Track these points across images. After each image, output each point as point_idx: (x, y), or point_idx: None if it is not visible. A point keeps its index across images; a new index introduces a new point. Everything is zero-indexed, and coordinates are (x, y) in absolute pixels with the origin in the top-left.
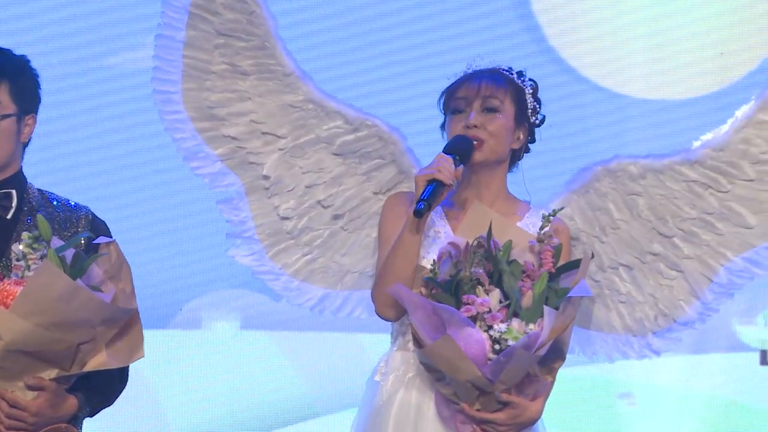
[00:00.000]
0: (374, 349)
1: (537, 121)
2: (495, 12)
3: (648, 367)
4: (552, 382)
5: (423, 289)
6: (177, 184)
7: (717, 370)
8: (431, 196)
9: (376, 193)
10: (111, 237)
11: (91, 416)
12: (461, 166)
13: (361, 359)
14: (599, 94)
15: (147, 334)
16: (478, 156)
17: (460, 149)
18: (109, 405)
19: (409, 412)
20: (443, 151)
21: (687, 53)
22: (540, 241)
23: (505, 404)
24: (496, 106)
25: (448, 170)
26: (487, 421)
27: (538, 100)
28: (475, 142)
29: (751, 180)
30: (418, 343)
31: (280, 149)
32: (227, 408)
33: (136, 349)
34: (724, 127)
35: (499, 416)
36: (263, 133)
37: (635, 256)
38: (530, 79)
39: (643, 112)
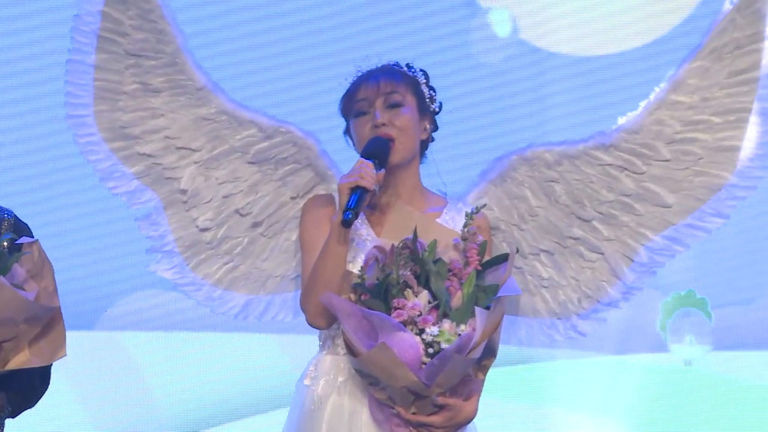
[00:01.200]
0: (299, 350)
1: (437, 109)
2: None
3: (573, 368)
4: (483, 380)
5: (352, 295)
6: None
7: (641, 371)
8: (357, 204)
9: (293, 198)
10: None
11: (13, 417)
12: (383, 170)
13: (287, 360)
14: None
15: (72, 335)
16: (394, 156)
17: (378, 152)
18: (32, 406)
19: (342, 417)
20: (361, 156)
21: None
22: (464, 239)
23: (441, 406)
24: (399, 101)
25: (370, 176)
26: (424, 424)
27: (432, 88)
28: (390, 142)
29: (667, 160)
30: (351, 351)
31: (196, 162)
32: (154, 409)
33: (58, 348)
34: (638, 110)
35: (436, 419)
36: (178, 148)
37: (555, 241)
38: (420, 70)
39: (566, 66)
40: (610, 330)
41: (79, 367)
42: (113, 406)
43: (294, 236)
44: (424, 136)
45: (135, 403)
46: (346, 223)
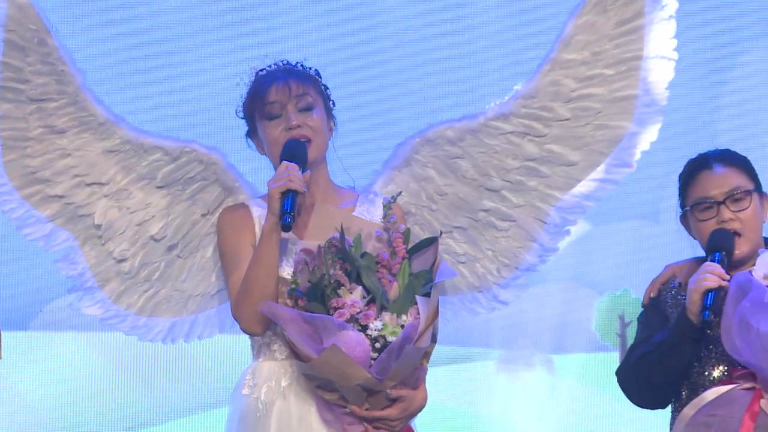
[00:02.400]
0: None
1: (332, 105)
2: None
3: (508, 366)
4: (427, 367)
5: (288, 301)
6: None
7: (577, 371)
8: (292, 206)
9: (204, 215)
10: None
11: None
12: (308, 171)
13: (222, 361)
14: None
15: (7, 335)
16: (309, 157)
17: (298, 154)
18: None
19: (291, 422)
20: (282, 160)
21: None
22: (387, 229)
23: (394, 399)
24: (310, 103)
25: (298, 178)
26: (380, 419)
27: (326, 86)
28: (307, 143)
29: (567, 119)
30: (299, 357)
31: (106, 195)
32: (90, 409)
33: None
34: (532, 74)
35: (391, 412)
36: (88, 185)
37: (467, 216)
38: (314, 69)
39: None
40: (546, 330)
41: (14, 367)
42: (48, 406)
43: (209, 252)
44: (330, 136)
45: (70, 403)
46: (286, 227)
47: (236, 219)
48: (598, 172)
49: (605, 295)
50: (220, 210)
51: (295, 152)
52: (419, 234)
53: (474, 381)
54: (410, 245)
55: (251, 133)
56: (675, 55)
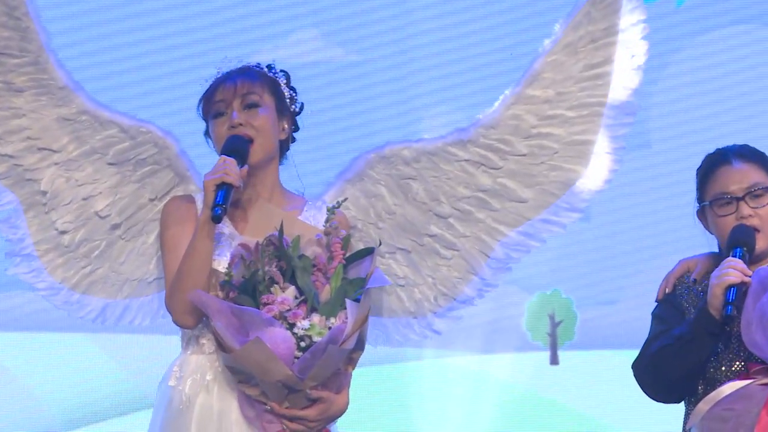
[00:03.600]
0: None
1: (297, 109)
2: None
3: (439, 367)
4: (351, 373)
5: (220, 293)
6: None
7: (507, 370)
8: (225, 199)
9: (152, 200)
10: None
11: None
12: (246, 167)
13: (151, 361)
14: None
15: None
16: (253, 156)
17: (238, 149)
18: None
19: (212, 416)
20: (221, 153)
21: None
22: (327, 234)
23: (314, 400)
24: (256, 102)
25: (234, 172)
26: (298, 418)
27: (293, 89)
28: (249, 142)
29: (523, 155)
30: (223, 347)
31: (56, 163)
32: (20, 410)
33: None
34: (495, 105)
35: (310, 412)
36: (39, 149)
37: (412, 239)
38: (281, 71)
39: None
40: (476, 330)
41: None
42: None
43: (151, 239)
44: (282, 137)
45: (2, 404)
46: (216, 219)
47: (181, 210)
48: (547, 213)
49: (535, 294)
50: (168, 197)
51: (234, 147)
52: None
53: (405, 381)
54: (349, 254)
55: (207, 132)
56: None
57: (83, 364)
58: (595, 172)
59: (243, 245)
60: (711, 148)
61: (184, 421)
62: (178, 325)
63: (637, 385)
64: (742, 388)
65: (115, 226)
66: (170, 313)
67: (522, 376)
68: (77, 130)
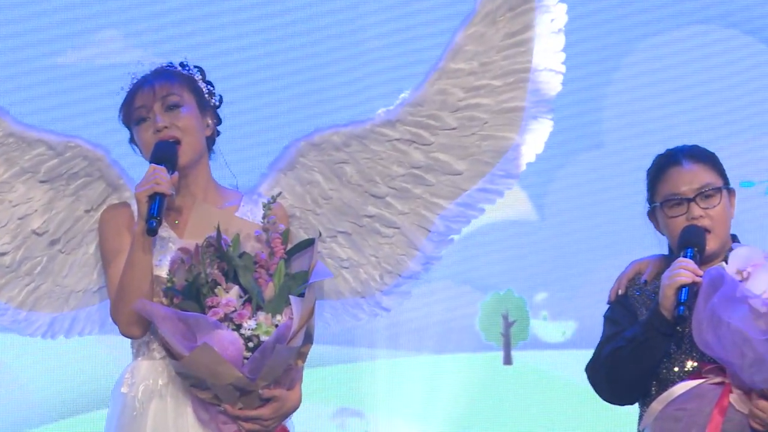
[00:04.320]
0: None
1: (217, 103)
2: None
3: (392, 367)
4: (303, 367)
5: (164, 300)
6: None
7: (461, 370)
8: (159, 210)
9: (87, 211)
10: None
11: None
12: (175, 173)
13: (102, 362)
14: None
15: None
16: (182, 158)
17: (166, 156)
18: None
19: (167, 421)
20: (151, 162)
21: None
22: (266, 229)
23: (267, 399)
24: (177, 102)
25: (165, 180)
26: (253, 418)
27: (210, 83)
28: (176, 144)
29: (453, 128)
30: (172, 355)
31: None
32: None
33: None
34: (420, 83)
35: (264, 411)
36: None
37: (351, 221)
38: (195, 66)
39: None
40: (429, 330)
41: None
42: None
43: (92, 249)
44: (208, 133)
45: None
46: (151, 232)
47: (118, 218)
48: (483, 183)
49: (489, 294)
50: (104, 207)
51: (162, 154)
52: (303, 238)
53: (358, 381)
54: (290, 246)
55: (132, 140)
56: (563, 68)
57: (32, 365)
58: (527, 137)
59: (182, 249)
60: (664, 149)
61: (138, 428)
62: (125, 336)
63: (591, 386)
64: (694, 387)
65: (54, 242)
66: (116, 324)
67: (475, 376)
68: (5, 153)
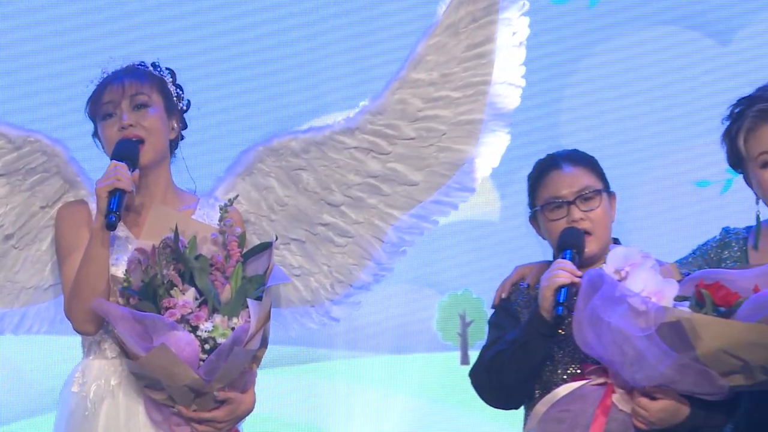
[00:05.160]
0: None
1: (184, 107)
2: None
3: (351, 367)
4: (257, 371)
5: (120, 300)
6: None
7: (418, 370)
8: (118, 206)
9: (43, 207)
10: None
11: None
12: (136, 171)
13: (52, 364)
14: None
15: None
16: (144, 157)
17: (128, 153)
18: None
19: (119, 421)
20: (112, 159)
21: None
22: (222, 232)
23: (222, 401)
24: (144, 102)
25: (126, 177)
26: (207, 420)
27: (179, 87)
28: (139, 143)
29: (411, 138)
30: (128, 355)
31: None
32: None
33: None
34: (380, 91)
35: (218, 413)
36: None
37: (305, 229)
38: (167, 68)
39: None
40: (387, 330)
41: None
42: None
43: (45, 245)
44: (172, 136)
45: None
46: (111, 226)
47: (74, 215)
48: (438, 195)
49: (446, 294)
50: (60, 204)
51: (124, 152)
52: (256, 244)
53: (316, 382)
54: (246, 249)
55: (96, 134)
56: (522, 82)
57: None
58: (484, 151)
59: (139, 249)
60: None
61: (90, 428)
62: (78, 332)
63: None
64: (577, 388)
65: (8, 237)
66: (70, 321)
67: (433, 376)
68: None
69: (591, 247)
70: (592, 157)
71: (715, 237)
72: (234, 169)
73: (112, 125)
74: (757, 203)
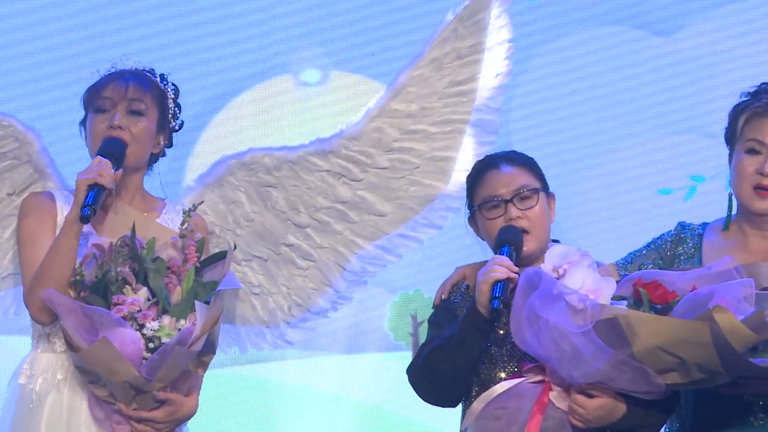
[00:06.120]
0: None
1: (177, 127)
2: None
3: (303, 366)
4: (203, 376)
5: (72, 292)
6: None
7: (370, 370)
8: (95, 200)
9: (9, 194)
10: None
11: None
12: (120, 170)
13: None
14: None
15: None
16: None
17: (115, 152)
18: None
19: (62, 415)
20: (98, 154)
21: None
22: (182, 236)
23: (162, 401)
24: (141, 110)
25: (108, 174)
26: (146, 420)
27: (178, 105)
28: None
29: (384, 168)
30: (72, 347)
31: None
32: None
33: None
34: (359, 116)
35: (157, 414)
36: None
37: (269, 247)
38: (172, 84)
39: None
40: (339, 330)
41: None
42: None
43: (8, 234)
44: (155, 150)
45: None
46: (85, 219)
47: (40, 206)
48: (405, 228)
49: (398, 294)
50: (27, 193)
51: (111, 149)
52: None
53: (268, 382)
54: (205, 257)
55: (84, 122)
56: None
57: None
58: (454, 189)
59: (96, 245)
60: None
61: (34, 420)
62: (35, 321)
63: (412, 389)
64: (514, 386)
65: None
66: (28, 308)
67: (385, 376)
68: None
69: (529, 245)
70: (531, 158)
71: (670, 231)
72: (204, 179)
73: (102, 120)
74: (729, 185)
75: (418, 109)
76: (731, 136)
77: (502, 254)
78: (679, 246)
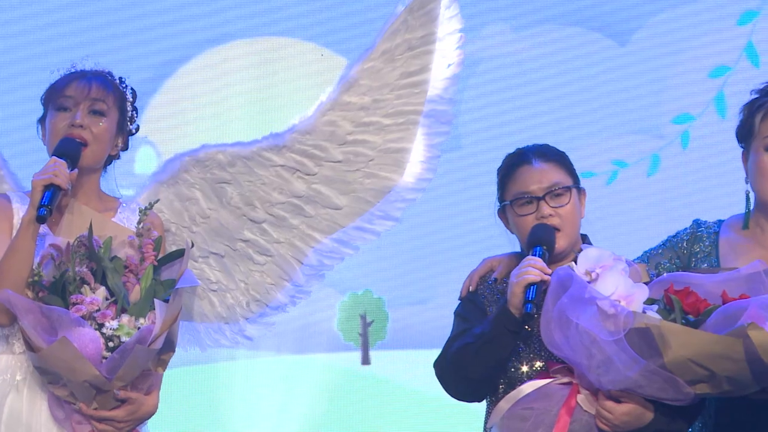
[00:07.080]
0: None
1: (133, 130)
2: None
3: (251, 367)
4: (162, 375)
5: (30, 293)
6: None
7: (319, 371)
8: (52, 200)
9: None
10: None
11: None
12: (75, 170)
13: None
14: None
15: None
16: (82, 160)
17: (70, 152)
18: None
19: (21, 417)
20: (53, 155)
21: None
22: (139, 235)
23: (123, 401)
24: (103, 110)
25: (64, 174)
26: (106, 419)
27: (135, 109)
28: (82, 146)
29: (339, 161)
30: (31, 347)
31: None
32: None
33: None
34: (311, 110)
35: (118, 413)
36: None
37: (226, 243)
38: (131, 88)
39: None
40: (288, 330)
41: None
42: None
43: None
44: (113, 152)
45: None
46: (41, 219)
47: None
48: (361, 221)
49: (347, 294)
50: None
51: (67, 150)
52: None
53: (217, 381)
54: (162, 255)
55: (42, 120)
56: (451, 117)
57: None
58: (410, 181)
59: (53, 245)
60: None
61: None
62: None
63: (438, 382)
64: (542, 387)
65: None
66: None
67: (334, 377)
68: None
69: (560, 243)
70: (562, 152)
71: (685, 229)
72: (158, 177)
73: (63, 119)
74: (747, 182)
75: (370, 102)
76: (747, 134)
77: (535, 254)
78: (696, 244)
